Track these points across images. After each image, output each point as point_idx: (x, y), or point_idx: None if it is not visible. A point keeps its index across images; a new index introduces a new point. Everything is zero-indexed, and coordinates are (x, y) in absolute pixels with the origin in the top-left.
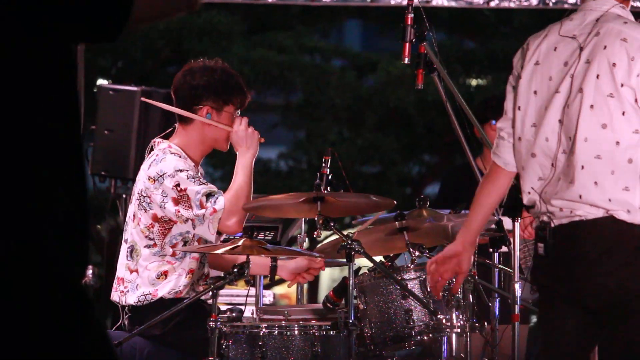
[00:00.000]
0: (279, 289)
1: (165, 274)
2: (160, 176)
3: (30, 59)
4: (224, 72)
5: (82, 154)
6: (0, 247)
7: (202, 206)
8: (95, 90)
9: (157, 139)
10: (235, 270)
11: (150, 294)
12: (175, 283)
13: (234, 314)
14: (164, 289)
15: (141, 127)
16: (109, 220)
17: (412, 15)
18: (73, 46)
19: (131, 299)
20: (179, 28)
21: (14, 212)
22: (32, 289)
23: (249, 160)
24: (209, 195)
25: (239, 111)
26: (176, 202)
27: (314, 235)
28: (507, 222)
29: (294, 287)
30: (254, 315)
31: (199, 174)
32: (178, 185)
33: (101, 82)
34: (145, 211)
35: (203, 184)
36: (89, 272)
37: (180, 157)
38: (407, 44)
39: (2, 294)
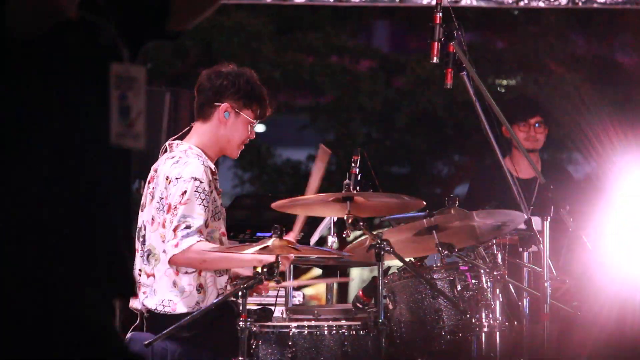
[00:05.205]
0: (309, 290)
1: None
2: (177, 179)
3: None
4: (251, 78)
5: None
6: None
7: (174, 230)
8: None
9: (174, 141)
10: (265, 270)
11: (170, 306)
12: (191, 299)
13: (263, 314)
14: (183, 306)
15: (170, 128)
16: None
17: (441, 14)
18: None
19: (150, 303)
20: (208, 29)
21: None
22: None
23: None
24: (188, 227)
25: (257, 123)
26: (169, 209)
27: (344, 235)
28: (536, 222)
29: (324, 287)
30: (284, 316)
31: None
32: (185, 193)
33: None
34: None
35: (200, 214)
36: None
37: (203, 162)
38: (436, 44)
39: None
